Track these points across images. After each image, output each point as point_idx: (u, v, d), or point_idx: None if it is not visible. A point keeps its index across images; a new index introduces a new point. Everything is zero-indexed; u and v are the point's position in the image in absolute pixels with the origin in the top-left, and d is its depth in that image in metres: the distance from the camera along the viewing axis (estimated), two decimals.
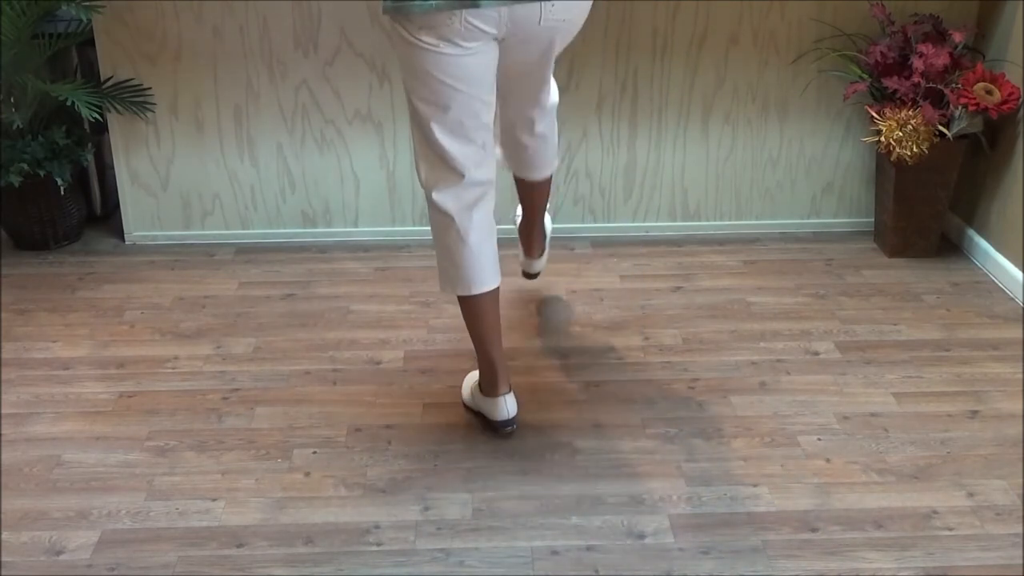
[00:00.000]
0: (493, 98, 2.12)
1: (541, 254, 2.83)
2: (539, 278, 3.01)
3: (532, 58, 2.14)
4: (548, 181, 2.59)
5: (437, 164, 2.14)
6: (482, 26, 1.96)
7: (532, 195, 2.61)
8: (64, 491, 2.16)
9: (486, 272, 2.21)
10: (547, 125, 2.44)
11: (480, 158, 2.14)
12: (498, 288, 2.26)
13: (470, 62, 2.01)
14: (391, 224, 3.37)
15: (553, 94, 2.40)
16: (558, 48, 2.16)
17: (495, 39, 2.02)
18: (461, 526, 2.06)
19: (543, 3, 1.99)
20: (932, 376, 2.57)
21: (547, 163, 2.53)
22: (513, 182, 2.65)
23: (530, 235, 2.74)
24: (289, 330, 2.80)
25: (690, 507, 2.10)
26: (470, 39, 1.97)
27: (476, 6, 1.93)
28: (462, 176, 2.13)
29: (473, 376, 2.44)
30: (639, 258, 3.23)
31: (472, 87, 2.04)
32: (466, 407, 2.44)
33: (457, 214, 2.16)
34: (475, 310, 2.26)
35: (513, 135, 2.42)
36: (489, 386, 2.32)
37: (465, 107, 2.06)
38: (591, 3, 2.10)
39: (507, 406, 2.30)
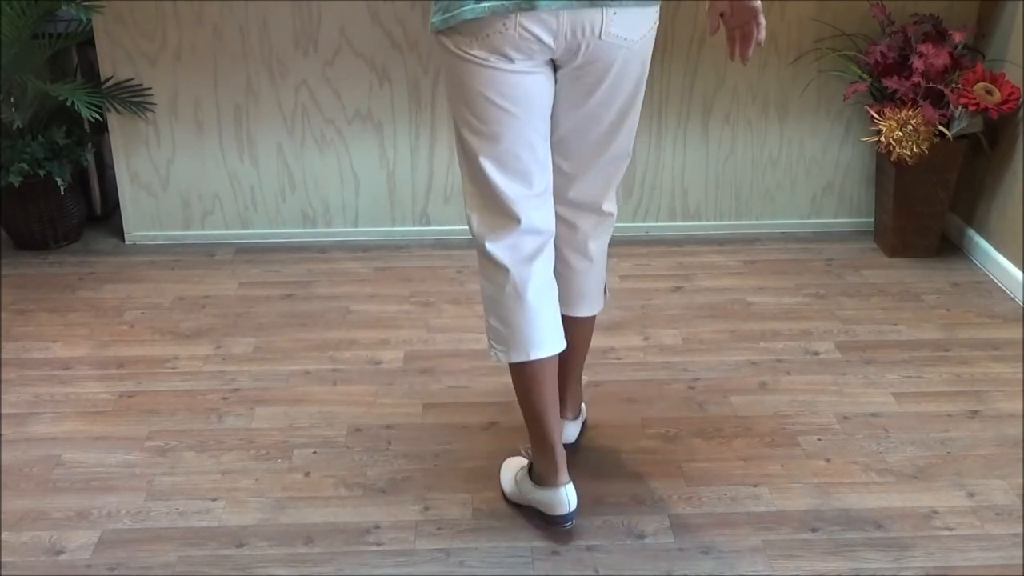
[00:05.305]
0: (548, 130, 1.87)
1: (577, 416, 2.28)
2: None
3: (593, 101, 1.84)
4: (593, 321, 2.14)
5: (490, 208, 1.86)
6: (538, 32, 1.73)
7: (572, 337, 2.04)
8: (64, 491, 2.16)
9: (546, 333, 1.91)
10: (601, 243, 2.05)
11: (539, 202, 1.87)
12: (558, 356, 1.95)
13: (525, 81, 1.77)
14: (391, 224, 3.37)
15: (613, 203, 2.03)
16: (621, 97, 1.84)
17: (552, 57, 1.79)
18: (461, 526, 2.05)
19: (604, 8, 1.72)
20: (932, 376, 2.57)
21: (597, 292, 2.09)
22: None
23: (564, 388, 2.13)
24: (289, 330, 2.80)
25: (690, 507, 2.10)
26: (524, 51, 1.75)
27: (532, 8, 1.70)
28: (518, 221, 1.85)
29: (514, 463, 2.15)
30: (639, 258, 3.23)
31: (527, 111, 1.80)
32: (507, 501, 2.11)
33: (513, 266, 1.87)
34: (532, 379, 1.93)
35: (558, 251, 1.99)
36: (547, 475, 1.98)
37: (519, 137, 1.81)
38: (655, 26, 1.82)
39: (568, 497, 1.97)
